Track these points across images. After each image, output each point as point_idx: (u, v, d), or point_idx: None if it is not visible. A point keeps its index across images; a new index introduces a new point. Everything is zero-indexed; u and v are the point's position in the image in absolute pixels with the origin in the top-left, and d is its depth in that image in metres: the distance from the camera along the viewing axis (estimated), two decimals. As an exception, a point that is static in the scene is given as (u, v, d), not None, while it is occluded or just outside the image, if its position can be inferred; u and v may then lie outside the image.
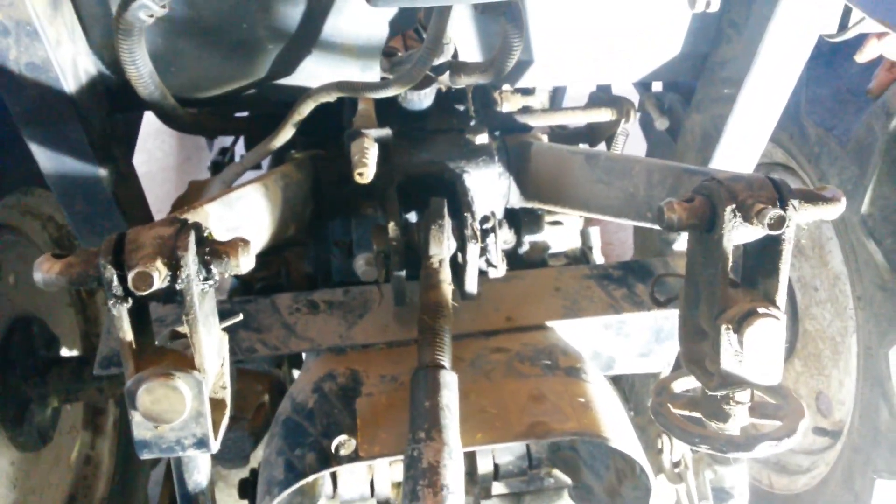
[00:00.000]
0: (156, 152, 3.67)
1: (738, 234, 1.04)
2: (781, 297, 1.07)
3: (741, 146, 1.48)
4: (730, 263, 1.05)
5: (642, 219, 1.29)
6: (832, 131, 1.69)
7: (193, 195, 1.48)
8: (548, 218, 1.85)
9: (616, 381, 2.27)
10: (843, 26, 1.30)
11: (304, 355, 1.56)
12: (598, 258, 2.01)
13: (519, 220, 1.79)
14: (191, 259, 0.95)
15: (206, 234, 1.02)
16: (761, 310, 1.03)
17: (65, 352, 2.11)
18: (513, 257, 1.80)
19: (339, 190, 1.55)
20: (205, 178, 1.50)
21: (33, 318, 1.96)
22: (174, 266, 0.95)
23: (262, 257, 1.36)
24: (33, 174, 1.35)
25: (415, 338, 1.30)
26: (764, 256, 1.08)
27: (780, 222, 0.99)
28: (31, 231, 2.00)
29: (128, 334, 0.97)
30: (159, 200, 3.83)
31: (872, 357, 1.63)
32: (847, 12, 1.31)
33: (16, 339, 1.87)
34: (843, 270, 1.79)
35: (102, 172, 1.33)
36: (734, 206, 1.02)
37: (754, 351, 1.05)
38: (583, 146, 1.88)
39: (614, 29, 1.44)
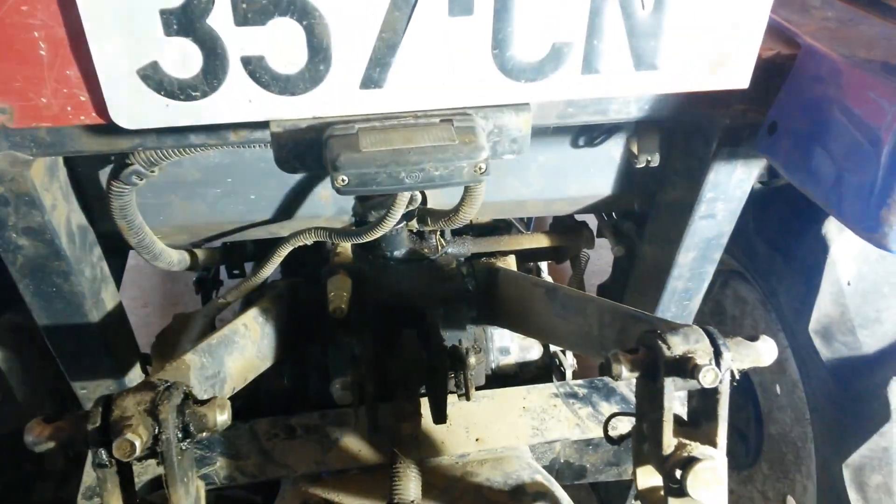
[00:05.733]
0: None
1: (677, 384, 1.13)
2: (721, 441, 1.15)
3: (691, 277, 1.59)
4: (672, 412, 1.13)
5: (598, 356, 1.38)
6: (779, 251, 1.80)
7: (177, 328, 1.57)
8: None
9: (592, 483, 2.32)
10: (775, 175, 1.43)
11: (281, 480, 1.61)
12: (567, 361, 2.09)
13: (488, 334, 1.87)
14: (171, 424, 1.03)
15: (186, 393, 1.10)
16: (702, 455, 1.12)
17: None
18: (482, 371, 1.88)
19: (315, 318, 1.64)
20: (188, 312, 1.60)
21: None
22: (156, 431, 1.03)
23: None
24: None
25: (388, 463, 1.38)
26: (705, 402, 1.16)
27: (714, 379, 1.09)
28: (22, 345, 2.05)
29: (111, 495, 1.04)
30: (146, 294, 3.92)
31: (829, 469, 1.70)
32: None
33: (2, 455, 1.90)
34: (800, 379, 1.87)
35: (93, 316, 1.41)
36: (672, 360, 1.12)
37: (698, 493, 1.12)
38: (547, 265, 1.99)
39: (566, 170, 1.57)
